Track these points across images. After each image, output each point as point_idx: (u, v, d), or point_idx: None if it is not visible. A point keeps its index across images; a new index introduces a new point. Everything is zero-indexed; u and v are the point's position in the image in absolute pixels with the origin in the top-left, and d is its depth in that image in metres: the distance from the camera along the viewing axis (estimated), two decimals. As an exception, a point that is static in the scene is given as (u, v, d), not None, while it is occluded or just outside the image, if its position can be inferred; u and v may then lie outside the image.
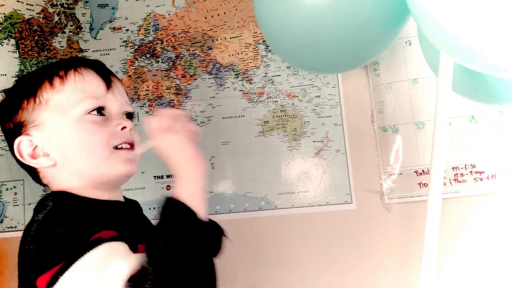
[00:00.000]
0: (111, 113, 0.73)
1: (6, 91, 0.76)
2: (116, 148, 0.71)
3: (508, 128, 0.95)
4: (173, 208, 0.64)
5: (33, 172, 0.73)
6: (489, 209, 0.97)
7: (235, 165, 1.08)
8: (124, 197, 0.79)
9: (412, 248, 0.99)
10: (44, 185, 0.74)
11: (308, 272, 1.05)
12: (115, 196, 0.73)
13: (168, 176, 1.10)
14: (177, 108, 1.11)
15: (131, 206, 0.79)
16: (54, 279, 0.56)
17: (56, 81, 0.71)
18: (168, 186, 1.10)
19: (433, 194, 0.69)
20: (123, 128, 0.72)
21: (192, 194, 0.67)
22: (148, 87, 1.13)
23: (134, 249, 0.62)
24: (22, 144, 0.70)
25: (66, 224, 0.62)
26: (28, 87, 0.72)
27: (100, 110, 0.72)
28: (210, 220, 0.67)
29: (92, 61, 0.77)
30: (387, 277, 1.01)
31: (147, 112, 1.12)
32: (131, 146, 0.74)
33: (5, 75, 1.14)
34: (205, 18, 1.12)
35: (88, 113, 0.70)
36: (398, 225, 1.01)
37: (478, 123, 0.97)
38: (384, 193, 1.02)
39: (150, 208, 1.10)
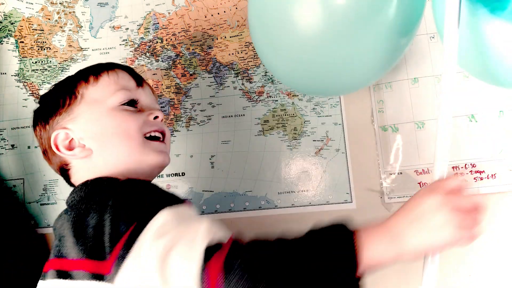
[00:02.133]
0: (143, 105, 0.77)
1: (42, 96, 0.80)
2: (150, 138, 0.74)
3: (508, 128, 0.95)
4: (341, 240, 0.53)
5: (62, 169, 0.75)
6: (489, 209, 0.97)
7: (234, 164, 1.08)
8: None
9: (412, 247, 0.99)
10: (72, 185, 0.76)
11: (308, 271, 1.05)
12: None
13: (168, 175, 1.10)
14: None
15: None
16: (130, 242, 0.56)
17: (91, 78, 0.75)
18: (168, 185, 1.10)
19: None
20: (156, 117, 0.76)
21: (377, 243, 0.53)
22: (148, 86, 1.13)
23: None
24: (59, 137, 0.72)
25: (136, 193, 0.63)
26: (64, 88, 0.76)
27: (133, 103, 0.76)
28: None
29: (121, 65, 0.82)
30: (387, 276, 1.01)
31: (147, 111, 1.12)
32: (163, 136, 0.78)
33: (5, 73, 1.14)
34: (205, 17, 1.12)
35: (122, 104, 0.74)
36: (398, 224, 1.01)
37: (478, 122, 0.97)
38: (384, 192, 1.02)
39: (150, 207, 1.10)
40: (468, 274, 0.97)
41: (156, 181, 1.10)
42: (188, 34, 1.12)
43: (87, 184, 0.68)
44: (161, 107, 1.12)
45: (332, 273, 0.51)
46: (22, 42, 1.15)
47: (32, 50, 1.15)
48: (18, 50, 1.15)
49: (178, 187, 1.10)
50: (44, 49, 1.14)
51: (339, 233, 0.54)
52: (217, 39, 1.11)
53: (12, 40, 1.14)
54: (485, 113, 0.96)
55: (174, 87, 1.12)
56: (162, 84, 1.12)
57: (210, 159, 1.09)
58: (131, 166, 0.72)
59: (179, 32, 1.12)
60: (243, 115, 1.09)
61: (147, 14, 1.14)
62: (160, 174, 1.10)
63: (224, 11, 1.11)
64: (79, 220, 0.62)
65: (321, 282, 0.50)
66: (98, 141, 0.71)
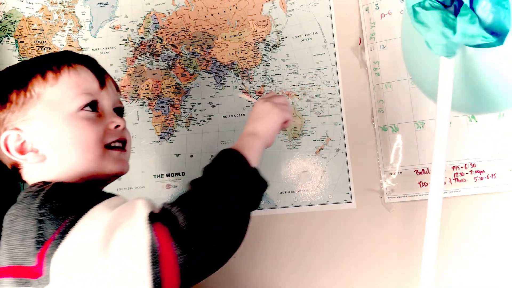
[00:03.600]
0: (104, 109, 0.73)
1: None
2: (109, 147, 0.71)
3: (508, 128, 0.95)
4: (226, 154, 0.68)
5: (14, 168, 0.72)
6: (489, 209, 0.97)
7: (235, 164, 1.08)
8: None
9: (412, 247, 0.99)
10: (24, 182, 0.72)
11: (307, 271, 1.05)
12: None
13: (168, 175, 1.10)
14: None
15: None
16: (64, 232, 0.55)
17: (50, 75, 0.69)
18: (168, 185, 1.10)
19: (433, 193, 0.69)
20: (117, 126, 0.73)
21: (252, 148, 0.70)
22: (148, 85, 1.13)
23: None
24: (10, 138, 0.68)
25: (73, 188, 0.64)
26: (17, 79, 0.70)
27: (93, 106, 0.71)
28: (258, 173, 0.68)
29: (85, 57, 0.76)
30: (387, 276, 1.01)
31: (146, 111, 1.12)
32: (124, 144, 0.75)
33: (5, 73, 1.14)
34: (205, 16, 1.11)
35: (82, 109, 0.69)
36: (397, 224, 1.01)
37: (478, 122, 0.97)
38: (384, 192, 1.02)
39: (150, 207, 1.10)
40: (469, 274, 0.97)
41: (156, 182, 1.11)
42: (188, 34, 1.12)
43: (25, 188, 0.67)
44: (161, 107, 1.12)
45: (236, 175, 0.64)
46: (22, 42, 1.15)
47: (32, 50, 1.15)
48: (18, 50, 1.15)
49: (178, 187, 1.10)
50: (44, 48, 1.14)
51: (229, 153, 0.68)
52: (217, 39, 1.11)
53: (12, 40, 1.14)
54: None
55: (174, 87, 1.12)
56: (162, 84, 1.12)
57: (210, 159, 1.09)
58: (87, 174, 0.69)
59: (179, 32, 1.12)
60: (243, 115, 1.09)
61: (147, 14, 1.14)
62: (160, 174, 1.10)
63: (224, 11, 1.11)
64: (10, 225, 0.61)
65: (234, 185, 0.62)
66: (53, 148, 0.68)
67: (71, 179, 0.68)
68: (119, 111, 0.78)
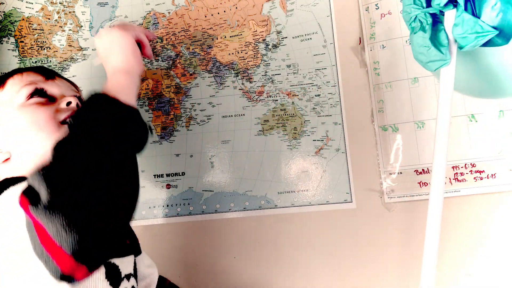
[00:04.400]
0: (54, 94, 0.75)
1: None
2: (65, 122, 0.72)
3: (508, 128, 0.95)
4: (97, 97, 0.60)
5: None
6: (489, 209, 0.97)
7: (234, 164, 1.08)
8: None
9: (411, 247, 0.99)
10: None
11: (307, 271, 1.05)
12: None
13: (168, 175, 1.10)
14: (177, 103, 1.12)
15: None
16: None
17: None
18: (168, 185, 1.10)
19: (434, 193, 0.69)
20: (69, 103, 0.74)
21: (122, 86, 0.64)
22: (147, 85, 1.13)
23: None
24: None
25: None
26: None
27: (42, 94, 0.74)
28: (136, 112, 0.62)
29: (33, 67, 0.80)
30: (387, 276, 1.01)
31: (146, 111, 1.12)
32: None
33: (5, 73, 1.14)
34: (205, 16, 1.11)
35: (30, 97, 0.72)
36: (398, 224, 1.01)
37: (478, 122, 0.97)
38: (384, 192, 1.02)
39: (150, 207, 1.10)
40: (468, 274, 0.97)
41: (156, 181, 1.11)
42: (188, 34, 1.12)
43: None
44: (161, 106, 1.12)
45: (112, 117, 0.58)
46: (22, 41, 1.14)
47: (32, 49, 1.14)
48: (18, 50, 1.15)
49: (178, 187, 1.10)
50: (44, 48, 1.14)
51: (97, 99, 0.60)
52: (217, 38, 1.11)
53: (12, 39, 1.14)
54: (485, 113, 0.96)
55: (174, 86, 1.12)
56: (162, 84, 1.12)
57: (210, 159, 1.09)
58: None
59: (179, 32, 1.12)
60: (243, 114, 1.09)
61: (147, 13, 1.14)
62: (160, 174, 1.10)
63: (224, 11, 1.11)
64: None
65: (114, 127, 0.57)
66: (14, 140, 0.70)
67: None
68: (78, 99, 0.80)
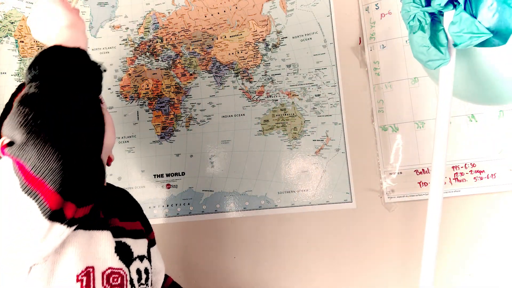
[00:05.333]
0: None
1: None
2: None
3: (508, 128, 0.95)
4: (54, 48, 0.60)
5: None
6: (489, 208, 0.97)
7: (235, 163, 1.08)
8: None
9: (412, 247, 0.99)
10: None
11: (307, 270, 1.05)
12: None
13: (168, 175, 1.10)
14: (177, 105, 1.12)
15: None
16: None
17: None
18: (168, 185, 1.10)
19: (433, 193, 0.69)
20: None
21: (68, 38, 0.64)
22: (148, 85, 1.13)
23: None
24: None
25: None
26: None
27: None
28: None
29: None
30: (387, 276, 1.01)
31: (146, 111, 1.12)
32: None
33: (5, 73, 1.14)
34: (205, 16, 1.11)
35: None
36: (397, 224, 1.01)
37: (478, 122, 0.97)
38: (384, 192, 1.02)
39: (150, 207, 1.10)
40: (468, 274, 0.97)
41: (156, 181, 1.11)
42: (188, 34, 1.12)
43: None
44: (161, 106, 1.12)
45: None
46: (22, 41, 1.14)
47: (32, 49, 1.15)
48: (18, 50, 1.15)
49: (178, 187, 1.10)
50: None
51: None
52: (217, 38, 1.11)
53: (12, 39, 1.14)
54: (485, 113, 0.96)
55: (174, 86, 1.12)
56: (162, 84, 1.12)
57: (210, 159, 1.09)
58: None
59: (179, 32, 1.12)
60: (243, 114, 1.09)
61: (147, 13, 1.14)
62: (160, 174, 1.10)
63: (224, 11, 1.11)
64: None
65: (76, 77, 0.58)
66: None
67: None
68: None
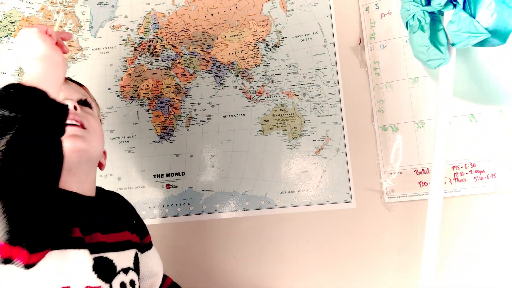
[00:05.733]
0: (56, 98, 0.73)
1: None
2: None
3: (508, 128, 0.95)
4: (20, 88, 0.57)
5: None
6: (489, 208, 0.97)
7: (235, 163, 1.08)
8: (100, 188, 0.81)
9: (412, 247, 0.99)
10: None
11: (307, 270, 1.05)
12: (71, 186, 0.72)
13: (168, 175, 1.10)
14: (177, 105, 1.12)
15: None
16: None
17: None
18: (168, 185, 1.10)
19: (433, 193, 0.69)
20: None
21: (43, 74, 0.62)
22: (147, 85, 1.13)
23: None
24: None
25: None
26: None
27: None
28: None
29: None
30: (387, 276, 1.01)
31: (146, 111, 1.12)
32: (81, 125, 0.74)
33: (5, 73, 1.14)
34: (205, 16, 1.11)
35: None
36: (397, 224, 1.01)
37: (478, 122, 0.97)
38: (384, 192, 1.02)
39: (150, 207, 1.10)
40: (468, 274, 0.97)
41: (156, 181, 1.11)
42: (188, 34, 1.12)
43: None
44: (161, 106, 1.12)
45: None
46: (22, 41, 1.14)
47: (32, 49, 1.14)
48: (18, 50, 1.14)
49: (178, 187, 1.10)
50: (44, 48, 1.14)
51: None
52: (217, 38, 1.11)
53: (12, 39, 1.14)
54: (485, 113, 0.96)
55: (174, 86, 1.12)
56: (162, 84, 1.12)
57: (210, 158, 1.09)
58: None
59: (179, 32, 1.12)
60: (243, 114, 1.09)
61: (147, 13, 1.14)
62: (160, 174, 1.10)
63: (224, 11, 1.11)
64: None
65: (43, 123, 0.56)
66: None
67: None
68: (83, 102, 0.80)
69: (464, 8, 0.57)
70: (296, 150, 1.06)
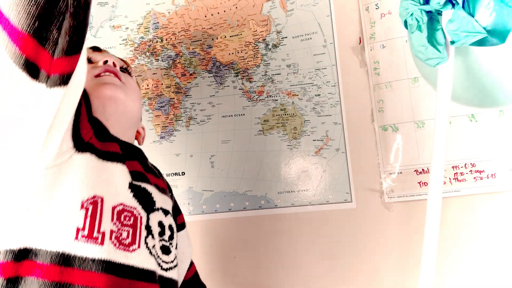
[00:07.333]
0: (97, 60, 0.75)
1: None
2: (99, 76, 0.71)
3: (508, 128, 0.95)
4: None
5: None
6: (489, 208, 0.97)
7: (235, 163, 1.08)
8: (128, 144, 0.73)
9: (411, 247, 0.99)
10: None
11: (307, 270, 1.05)
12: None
13: (168, 175, 1.10)
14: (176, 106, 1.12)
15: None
16: None
17: None
18: (168, 184, 1.10)
19: (433, 193, 0.69)
20: (105, 62, 0.74)
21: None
22: (148, 85, 1.13)
23: None
24: None
25: None
26: None
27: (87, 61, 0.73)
28: None
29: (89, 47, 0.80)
30: (386, 276, 1.01)
31: (146, 111, 1.12)
32: (115, 75, 0.73)
33: (5, 73, 1.14)
34: (205, 16, 1.11)
35: None
36: (397, 224, 1.01)
37: (478, 122, 0.97)
38: (384, 192, 1.02)
39: (150, 207, 1.10)
40: (468, 274, 0.97)
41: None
42: (188, 34, 1.12)
43: None
44: (161, 106, 1.12)
45: None
46: (22, 41, 1.15)
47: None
48: (18, 50, 1.15)
49: (178, 187, 1.10)
50: (44, 48, 1.14)
51: None
52: (217, 38, 1.11)
53: (12, 39, 1.14)
54: (485, 113, 0.96)
55: (174, 86, 1.12)
56: (162, 84, 1.12)
57: (210, 158, 1.09)
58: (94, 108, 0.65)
59: (179, 32, 1.12)
60: (243, 114, 1.09)
61: (147, 13, 1.14)
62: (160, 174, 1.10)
63: (224, 11, 1.11)
64: None
65: None
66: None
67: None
68: (124, 69, 0.80)
69: (463, 7, 0.57)
70: (296, 150, 1.06)
